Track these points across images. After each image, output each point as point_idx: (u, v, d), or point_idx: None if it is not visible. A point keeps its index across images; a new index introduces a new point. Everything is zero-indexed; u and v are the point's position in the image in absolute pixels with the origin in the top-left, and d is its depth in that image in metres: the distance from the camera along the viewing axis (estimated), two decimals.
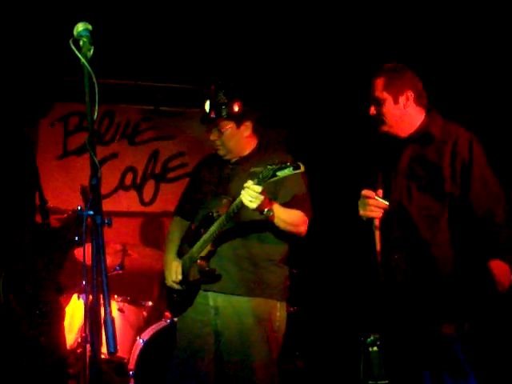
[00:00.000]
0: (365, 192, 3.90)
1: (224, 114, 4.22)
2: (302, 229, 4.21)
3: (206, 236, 4.14)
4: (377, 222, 3.93)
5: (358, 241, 6.39)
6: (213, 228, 4.08)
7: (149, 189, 7.98)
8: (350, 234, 6.56)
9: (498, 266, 3.66)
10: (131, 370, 5.70)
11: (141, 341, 5.76)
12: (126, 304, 6.21)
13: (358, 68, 6.19)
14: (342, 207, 6.19)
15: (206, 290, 4.21)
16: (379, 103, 3.97)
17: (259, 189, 3.73)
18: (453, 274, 3.75)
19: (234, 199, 4.04)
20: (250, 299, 4.13)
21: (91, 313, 2.36)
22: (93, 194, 2.42)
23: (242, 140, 4.33)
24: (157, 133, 8.02)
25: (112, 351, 2.21)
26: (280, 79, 7.08)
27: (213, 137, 4.30)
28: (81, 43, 2.68)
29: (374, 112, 4.00)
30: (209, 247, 4.15)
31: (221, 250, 4.18)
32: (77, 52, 2.64)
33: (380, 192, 3.91)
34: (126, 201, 7.85)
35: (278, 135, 6.93)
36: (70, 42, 2.68)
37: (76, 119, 7.74)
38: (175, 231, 4.61)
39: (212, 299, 4.20)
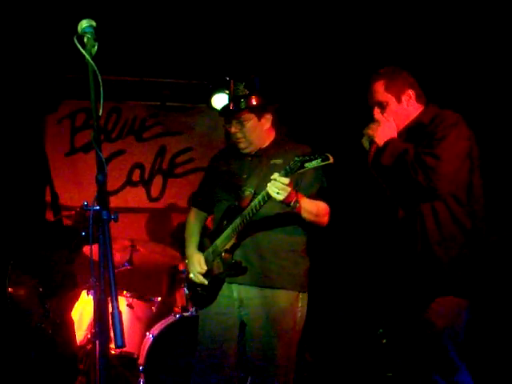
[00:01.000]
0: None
1: (246, 106, 4.22)
2: (325, 219, 4.21)
3: (230, 229, 4.14)
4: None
5: (366, 230, 6.44)
6: (237, 221, 4.07)
7: (156, 184, 8.00)
8: (359, 222, 6.61)
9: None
10: (141, 365, 5.71)
11: (150, 336, 5.77)
12: (134, 299, 6.22)
13: (356, 62, 6.24)
14: (349, 202, 6.23)
15: (230, 283, 4.21)
16: (382, 106, 4.00)
17: (286, 180, 3.73)
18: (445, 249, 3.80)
19: (256, 191, 4.08)
20: (274, 290, 4.13)
21: (99, 308, 2.37)
22: (99, 190, 2.44)
23: (263, 132, 4.32)
24: (164, 128, 8.04)
25: (119, 345, 2.23)
26: (282, 74, 7.08)
27: (234, 129, 4.27)
28: (85, 40, 2.70)
29: (379, 116, 4.02)
30: (233, 240, 4.15)
31: (244, 241, 4.17)
32: (81, 49, 2.65)
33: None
34: (134, 197, 7.86)
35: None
36: (74, 38, 2.68)
37: (83, 116, 7.76)
38: (194, 224, 4.61)
39: (236, 291, 4.20)
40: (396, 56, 5.13)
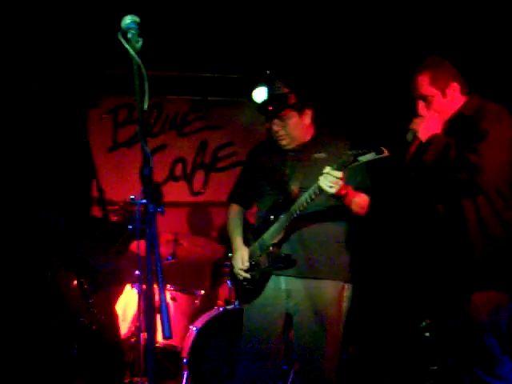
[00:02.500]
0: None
1: (287, 104, 4.20)
2: (365, 210, 4.22)
3: (278, 223, 4.16)
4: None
5: (409, 223, 6.40)
6: (286, 216, 4.09)
7: (198, 179, 8.04)
8: (402, 216, 6.56)
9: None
10: (184, 358, 5.75)
11: (194, 329, 5.80)
12: (178, 293, 6.27)
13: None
14: (391, 195, 6.20)
15: (278, 275, 4.23)
16: (427, 100, 3.95)
17: (339, 174, 3.74)
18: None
19: (302, 186, 4.09)
20: (320, 281, 4.15)
21: (146, 301, 2.40)
22: (145, 184, 2.46)
23: (304, 128, 4.32)
24: (205, 123, 8.07)
25: (167, 336, 2.24)
26: (323, 67, 7.06)
27: (276, 127, 4.26)
28: (129, 35, 2.71)
29: (424, 112, 3.97)
30: (282, 234, 4.17)
31: (291, 234, 4.18)
32: (126, 44, 2.67)
33: None
34: (177, 191, 7.90)
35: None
36: (119, 34, 2.70)
37: (125, 112, 7.82)
38: (235, 218, 4.61)
39: (284, 283, 4.22)
40: (437, 47, 5.06)
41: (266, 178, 4.41)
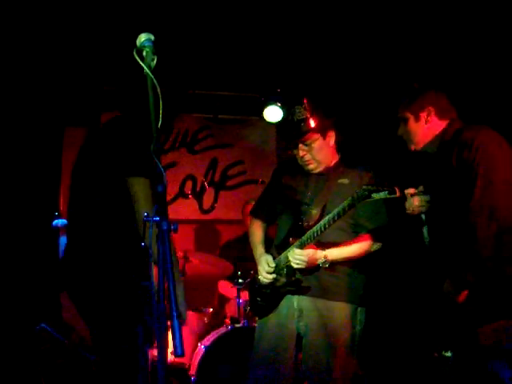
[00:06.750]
0: (409, 190, 3.94)
1: (310, 127, 4.22)
2: (361, 256, 4.24)
3: (295, 246, 4.16)
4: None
5: (420, 245, 6.37)
6: (303, 239, 4.11)
7: (208, 197, 8.06)
8: (416, 238, 6.54)
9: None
10: (193, 376, 5.74)
11: (202, 347, 5.79)
12: (187, 310, 6.25)
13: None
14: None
15: (292, 294, 4.26)
16: (404, 122, 4.07)
17: (300, 252, 4.03)
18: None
19: (323, 210, 4.13)
20: (333, 303, 4.17)
21: (158, 318, 2.40)
22: (159, 201, 2.46)
23: (329, 151, 4.35)
24: (215, 141, 8.10)
25: (179, 354, 2.24)
26: (337, 88, 7.07)
27: (302, 153, 4.28)
28: (144, 53, 2.72)
29: (401, 132, 4.09)
30: None
31: None
32: (140, 62, 2.68)
33: (421, 187, 3.94)
34: (186, 209, 7.92)
35: None
36: (134, 52, 2.71)
37: None
38: (258, 232, 4.63)
39: (296, 302, 4.24)
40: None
41: (287, 198, 4.43)
